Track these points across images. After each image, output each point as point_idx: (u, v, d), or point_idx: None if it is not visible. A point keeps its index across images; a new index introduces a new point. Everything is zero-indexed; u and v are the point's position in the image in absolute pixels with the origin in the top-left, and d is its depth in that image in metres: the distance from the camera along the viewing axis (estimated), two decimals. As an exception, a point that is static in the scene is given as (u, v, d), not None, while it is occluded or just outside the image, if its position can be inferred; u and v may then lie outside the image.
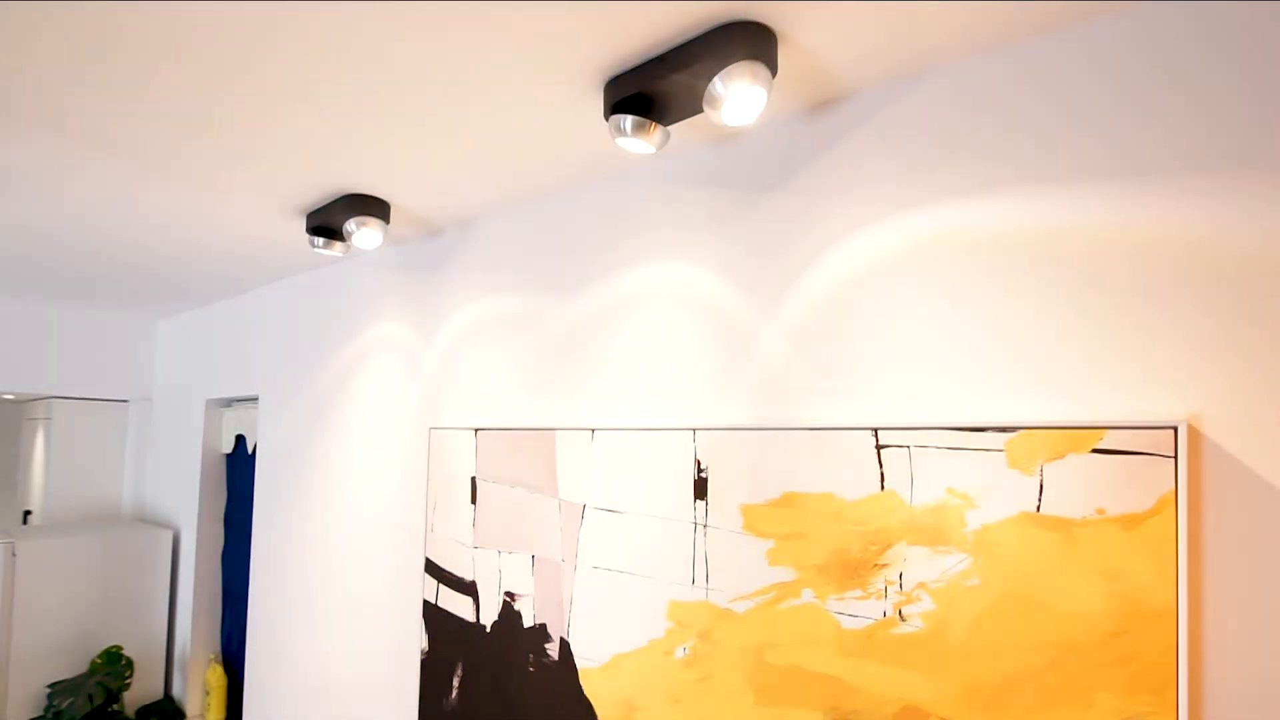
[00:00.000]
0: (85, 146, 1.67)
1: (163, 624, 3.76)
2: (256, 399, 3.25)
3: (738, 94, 1.18)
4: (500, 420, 2.00)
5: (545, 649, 1.78)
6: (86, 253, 2.68)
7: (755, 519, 1.41)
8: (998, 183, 1.18)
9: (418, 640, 2.17)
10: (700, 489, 1.50)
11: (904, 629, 1.21)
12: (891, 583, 1.23)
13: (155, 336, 4.32)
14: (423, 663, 2.11)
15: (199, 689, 3.60)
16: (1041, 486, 1.09)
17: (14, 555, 3.31)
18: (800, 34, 1.18)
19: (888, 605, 1.23)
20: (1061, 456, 1.07)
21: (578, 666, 1.71)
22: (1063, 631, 1.06)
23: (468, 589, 2.00)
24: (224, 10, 1.14)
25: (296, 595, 2.80)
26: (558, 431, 1.80)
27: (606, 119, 1.34)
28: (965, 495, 1.16)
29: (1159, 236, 1.04)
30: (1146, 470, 1.01)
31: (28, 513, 4.43)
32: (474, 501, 2.01)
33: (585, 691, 1.69)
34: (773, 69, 1.17)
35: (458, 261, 2.20)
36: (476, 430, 2.02)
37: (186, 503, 3.73)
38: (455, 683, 2.00)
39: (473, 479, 2.02)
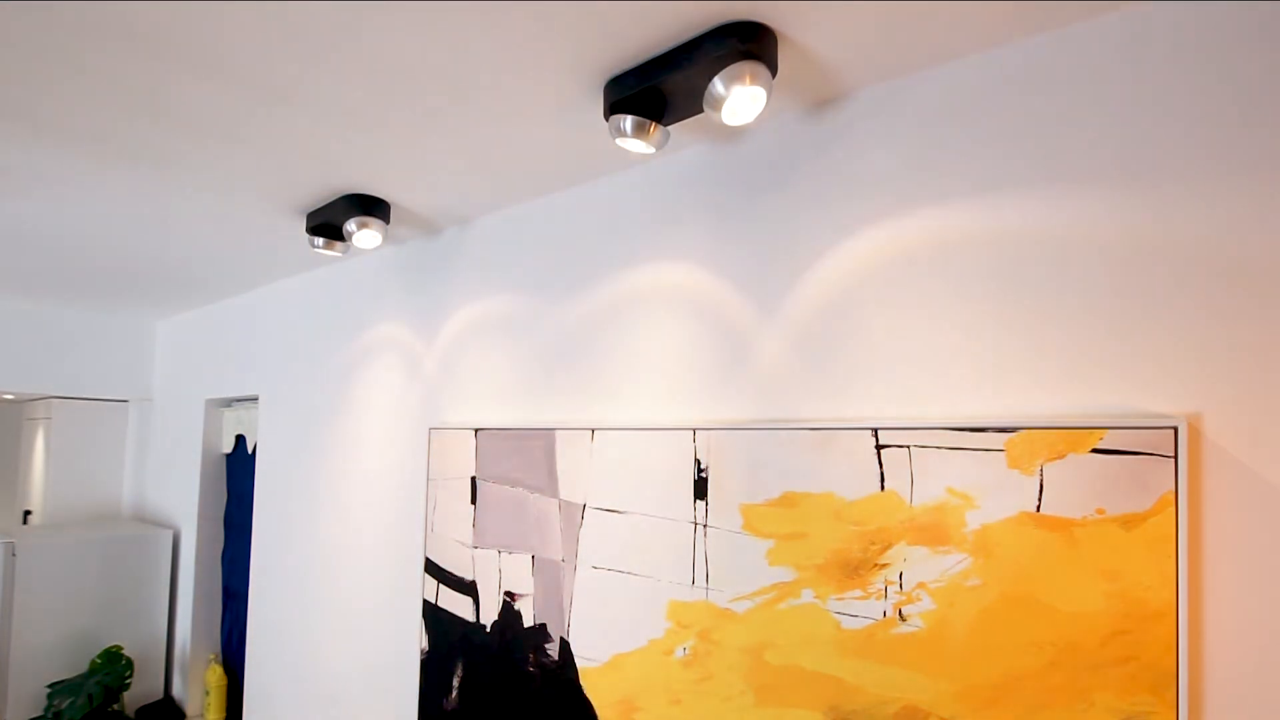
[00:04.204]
0: (85, 147, 1.67)
1: (163, 624, 3.76)
2: (256, 399, 3.25)
3: (738, 94, 1.18)
4: (500, 420, 2.00)
5: (545, 649, 1.78)
6: (86, 253, 2.68)
7: (755, 519, 1.41)
8: (998, 182, 1.18)
9: (418, 640, 2.17)
10: (700, 489, 1.50)
11: (904, 629, 1.21)
12: (891, 583, 1.23)
13: (155, 336, 4.32)
14: (423, 663, 2.11)
15: (199, 689, 3.60)
16: (1041, 486, 1.09)
17: (14, 555, 3.31)
18: (800, 34, 1.18)
19: (888, 605, 1.23)
20: (1061, 456, 1.07)
21: (578, 666, 1.71)
22: (1063, 631, 1.06)
23: (468, 589, 2.00)
24: (224, 10, 1.14)
25: (296, 595, 2.80)
26: (558, 431, 1.80)
27: (606, 119, 1.34)
28: (965, 495, 1.16)
29: (1159, 237, 1.04)
30: (1146, 470, 1.01)
31: (28, 513, 4.43)
32: (474, 501, 2.01)
33: (585, 691, 1.69)
34: (773, 69, 1.17)
35: (458, 261, 2.20)
36: (476, 430, 2.02)
37: (186, 503, 3.73)
38: (455, 683, 2.00)
39: (473, 479, 2.02)
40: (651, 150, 1.36)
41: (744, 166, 1.52)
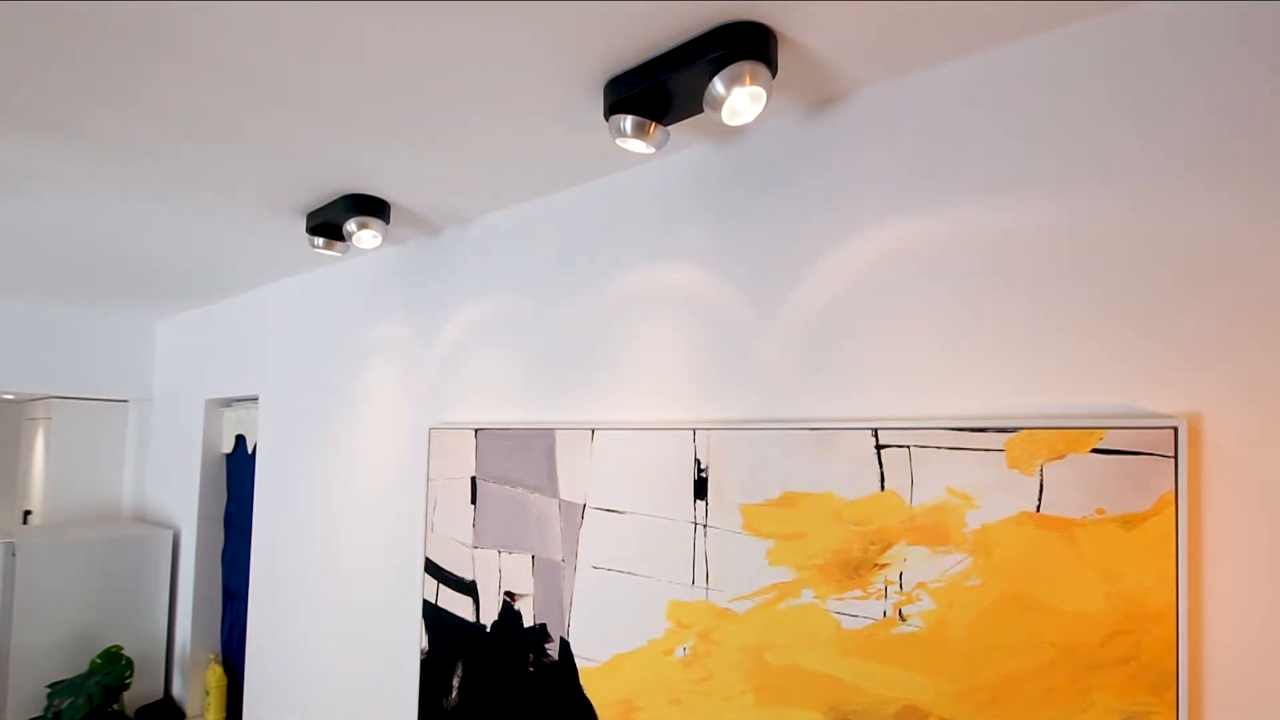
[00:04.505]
0: (85, 146, 1.67)
1: (163, 624, 3.76)
2: (256, 399, 3.25)
3: (738, 94, 1.18)
4: (500, 420, 2.00)
5: (545, 649, 1.78)
6: (86, 253, 2.68)
7: (755, 519, 1.41)
8: (997, 182, 1.18)
9: (418, 640, 2.17)
10: (700, 489, 1.50)
11: (904, 629, 1.21)
12: (891, 583, 1.23)
13: (155, 336, 4.32)
14: (423, 663, 2.11)
15: (199, 689, 3.60)
16: (1041, 486, 1.09)
17: (14, 555, 3.31)
18: (800, 34, 1.18)
19: (888, 605, 1.23)
20: (1061, 456, 1.07)
21: (578, 666, 1.71)
22: (1063, 631, 1.06)
23: (468, 589, 2.00)
24: (223, 9, 1.13)
25: (296, 595, 2.80)
26: (558, 431, 1.80)
27: (606, 119, 1.34)
28: (965, 495, 1.16)
29: (1159, 236, 1.04)
30: (1146, 470, 1.01)
31: (28, 513, 4.43)
32: (474, 501, 2.01)
33: (585, 691, 1.69)
34: (773, 69, 1.17)
35: (458, 261, 2.20)
36: (476, 430, 2.02)
37: (186, 503, 3.73)
38: (455, 683, 2.00)
39: (473, 479, 2.02)
40: (651, 150, 1.36)
41: (744, 167, 1.52)
